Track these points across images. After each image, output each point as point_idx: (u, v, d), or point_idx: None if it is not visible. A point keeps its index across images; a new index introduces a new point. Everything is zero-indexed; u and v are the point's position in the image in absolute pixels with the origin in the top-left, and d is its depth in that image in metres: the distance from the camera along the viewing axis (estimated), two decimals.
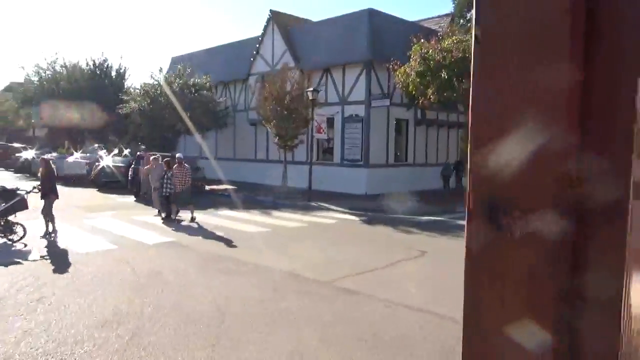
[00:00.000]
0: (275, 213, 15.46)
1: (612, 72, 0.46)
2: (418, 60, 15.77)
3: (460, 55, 14.66)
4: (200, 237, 10.71)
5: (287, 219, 14.05)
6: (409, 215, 15.36)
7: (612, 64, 0.46)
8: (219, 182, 25.53)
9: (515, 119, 0.49)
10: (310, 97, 18.48)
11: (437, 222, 14.10)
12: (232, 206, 16.73)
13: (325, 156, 23.61)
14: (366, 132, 21.40)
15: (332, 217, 14.82)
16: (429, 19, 24.50)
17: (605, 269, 0.46)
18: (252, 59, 25.32)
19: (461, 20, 17.00)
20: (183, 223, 12.88)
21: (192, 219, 13.20)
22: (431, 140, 24.77)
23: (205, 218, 13.72)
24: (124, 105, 24.19)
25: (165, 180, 13.37)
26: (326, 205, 17.79)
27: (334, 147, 22.99)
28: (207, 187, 23.06)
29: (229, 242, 10.19)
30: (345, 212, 16.17)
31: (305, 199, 18.68)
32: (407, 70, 16.46)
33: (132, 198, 18.51)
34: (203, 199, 18.85)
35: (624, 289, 0.45)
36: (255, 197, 20.32)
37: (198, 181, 21.40)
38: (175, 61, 32.46)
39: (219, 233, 11.14)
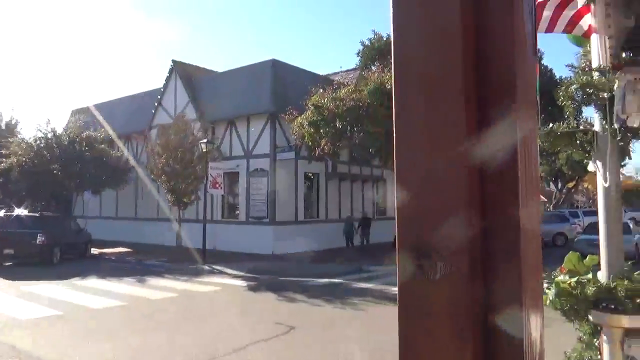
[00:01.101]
0: (152, 281, 13.35)
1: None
2: (312, 109, 14.84)
3: (352, 104, 13.87)
4: None
5: (159, 288, 12.01)
6: (306, 277, 13.79)
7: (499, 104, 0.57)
8: (113, 244, 22.95)
9: (429, 170, 0.57)
10: (204, 149, 16.96)
11: (331, 286, 12.60)
12: (106, 273, 14.42)
13: (231, 213, 21.86)
14: (272, 186, 20.01)
15: (216, 284, 12.94)
16: (338, 72, 24.20)
17: (508, 302, 0.56)
18: (153, 111, 23.66)
19: (369, 73, 16.47)
20: None
21: None
22: (344, 194, 23.77)
23: (49, 289, 11.38)
24: (1, 160, 21.47)
25: None
26: (220, 268, 15.88)
27: (239, 204, 21.35)
28: (96, 251, 20.48)
29: (36, 325, 8.08)
30: (236, 277, 14.35)
31: (200, 261, 16.69)
32: (300, 120, 15.46)
33: None
34: (80, 265, 16.40)
35: (523, 315, 0.55)
36: (144, 261, 18.02)
37: (81, 244, 18.92)
38: (75, 113, 30.12)
39: (42, 306, 8.96)
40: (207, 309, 9.77)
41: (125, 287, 12.17)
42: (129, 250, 21.42)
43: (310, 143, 15.32)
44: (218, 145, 21.92)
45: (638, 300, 1.89)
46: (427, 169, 0.57)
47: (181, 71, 22.95)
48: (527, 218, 0.58)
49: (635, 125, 2.11)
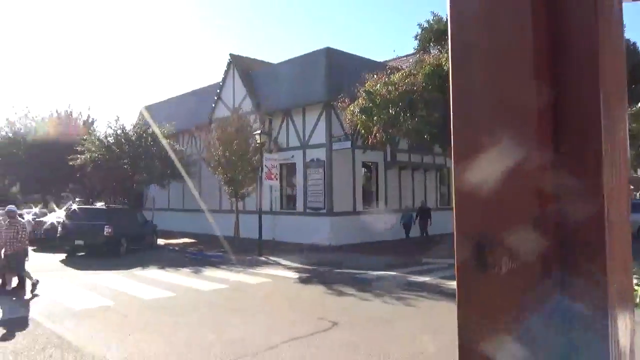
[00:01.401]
0: (207, 272, 13.56)
1: (579, 92, 0.50)
2: (363, 96, 14.28)
3: (405, 88, 13.14)
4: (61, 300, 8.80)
5: (212, 279, 12.13)
6: (360, 270, 13.39)
7: (579, 84, 0.50)
8: (178, 235, 23.79)
9: (493, 161, 0.52)
10: (259, 141, 16.95)
11: (384, 279, 12.09)
12: (166, 264, 14.87)
13: (289, 205, 21.85)
14: (329, 177, 19.72)
15: (268, 275, 12.87)
16: (396, 58, 23.33)
17: (589, 303, 0.48)
18: (213, 105, 24.13)
19: (425, 56, 15.66)
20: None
21: (32, 291, 10.01)
22: (405, 184, 22.98)
23: (109, 279, 11.82)
24: (77, 156, 22.84)
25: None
26: (275, 259, 15.88)
27: (296, 195, 21.28)
28: (162, 242, 21.30)
29: (105, 309, 8.31)
30: (289, 268, 14.23)
31: (256, 252, 16.80)
32: (351, 108, 14.94)
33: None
34: (145, 256, 17.08)
35: (609, 321, 0.47)
36: (204, 252, 18.45)
37: (147, 235, 19.71)
38: (144, 110, 31.53)
39: (98, 295, 9.26)
40: (252, 302, 9.66)
41: (180, 278, 12.42)
42: (193, 241, 22.09)
43: (363, 131, 14.78)
44: (275, 137, 21.98)
45: None
46: (489, 152, 0.52)
47: (239, 64, 23.17)
48: (614, 206, 0.51)
49: None
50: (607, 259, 0.49)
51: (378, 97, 13.79)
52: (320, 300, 9.73)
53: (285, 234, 20.61)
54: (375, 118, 14.17)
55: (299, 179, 20.98)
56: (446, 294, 10.03)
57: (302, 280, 12.18)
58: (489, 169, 0.52)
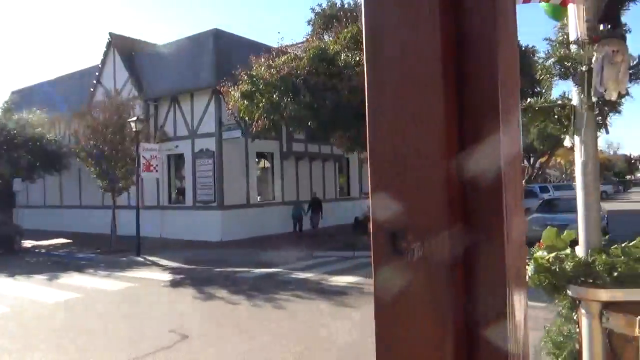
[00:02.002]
0: (65, 278, 11.82)
1: (479, 115, 0.54)
2: (245, 80, 13.23)
3: (288, 72, 12.28)
4: None
5: (65, 287, 10.48)
6: (244, 267, 12.43)
7: (478, 109, 0.55)
8: (53, 235, 21.23)
9: (405, 156, 0.55)
10: (134, 128, 15.26)
11: (265, 277, 11.23)
12: (21, 270, 12.85)
13: (178, 199, 20.27)
14: (219, 168, 18.45)
15: (136, 279, 11.44)
16: (293, 44, 22.46)
17: (490, 282, 0.53)
18: (92, 89, 21.73)
19: (313, 40, 14.88)
20: None
21: None
22: (303, 175, 22.31)
23: None
24: None
25: None
26: (153, 260, 14.41)
27: (185, 188, 19.76)
28: (30, 243, 18.79)
29: None
30: (166, 269, 12.90)
31: (135, 252, 15.18)
32: (232, 92, 13.84)
33: None
34: (1, 261, 14.76)
35: (507, 298, 0.52)
36: (75, 253, 16.45)
37: (6, 238, 17.22)
38: (15, 94, 27.98)
39: None
40: (101, 313, 8.29)
41: (25, 288, 10.63)
42: (67, 241, 19.77)
43: (247, 118, 13.75)
44: (162, 125, 20.24)
45: (615, 274, 1.90)
46: (401, 145, 0.55)
47: (119, 45, 21.00)
48: (511, 193, 0.55)
49: (613, 98, 2.04)
50: (505, 242, 0.52)
51: (261, 81, 12.80)
52: (182, 308, 8.61)
53: (174, 231, 19.07)
54: (257, 104, 13.17)
55: (187, 171, 19.49)
56: (325, 292, 9.39)
57: (173, 284, 10.94)
58: (400, 160, 0.54)
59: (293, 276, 11.23)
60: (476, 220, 0.54)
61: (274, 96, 12.49)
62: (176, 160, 20.10)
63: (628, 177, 69.94)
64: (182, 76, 18.91)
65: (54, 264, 14.51)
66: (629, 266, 1.93)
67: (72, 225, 22.83)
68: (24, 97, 26.12)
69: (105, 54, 21.41)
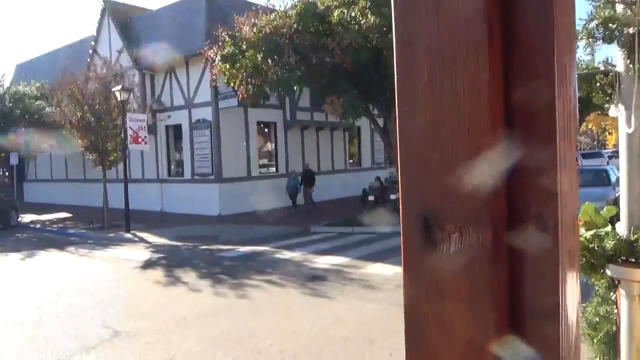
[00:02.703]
0: (41, 257, 11.21)
1: (530, 80, 0.47)
2: (227, 40, 12.01)
3: (270, 30, 10.99)
4: None
5: (27, 270, 9.83)
6: (230, 246, 11.57)
7: (529, 72, 0.47)
8: (59, 209, 20.91)
9: (442, 131, 0.48)
10: (119, 98, 14.36)
11: (246, 257, 10.33)
12: (4, 248, 12.33)
13: (177, 171, 19.51)
14: (216, 139, 17.51)
15: (115, 259, 10.73)
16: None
17: (541, 275, 0.47)
18: (89, 60, 20.88)
19: None
20: None
21: None
22: (309, 145, 21.15)
23: None
24: None
25: None
26: (143, 235, 13.73)
27: (183, 160, 18.94)
28: (30, 218, 18.47)
29: None
30: (149, 247, 12.16)
31: (124, 228, 14.52)
32: (211, 54, 12.66)
33: None
34: None
35: (560, 294, 0.46)
36: (67, 229, 15.95)
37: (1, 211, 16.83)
38: (19, 68, 27.54)
39: None
40: (51, 303, 7.50)
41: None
42: (68, 215, 19.38)
43: (231, 84, 12.61)
44: (159, 95, 19.34)
45: None
46: (438, 117, 0.48)
47: (114, 12, 19.99)
48: (566, 174, 0.48)
49: None
50: (560, 229, 0.46)
51: (244, 42, 11.58)
52: (138, 295, 7.77)
53: (174, 204, 18.40)
54: (239, 68, 11.98)
55: (185, 142, 18.62)
56: (305, 276, 8.40)
57: (146, 265, 10.13)
58: (436, 134, 0.48)
59: (278, 256, 10.28)
60: (526, 205, 0.46)
61: (257, 58, 11.27)
62: (175, 132, 19.24)
63: None
64: (176, 42, 17.79)
65: (41, 240, 14.00)
66: None
67: (76, 199, 22.51)
68: (28, 70, 25.64)
69: (100, 22, 20.48)
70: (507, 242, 0.47)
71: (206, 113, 17.66)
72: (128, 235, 13.97)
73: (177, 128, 18.97)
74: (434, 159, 0.48)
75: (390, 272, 8.13)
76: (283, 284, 7.98)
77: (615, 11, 2.08)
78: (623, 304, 1.93)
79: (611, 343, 2.05)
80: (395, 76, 0.50)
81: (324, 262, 9.42)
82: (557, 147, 0.46)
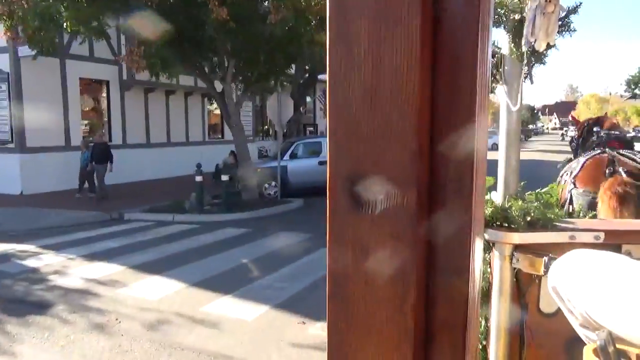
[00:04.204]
0: None
1: (454, 51, 0.49)
2: None
3: None
4: None
5: None
6: None
7: (453, 47, 0.50)
8: None
9: (370, 94, 0.50)
10: None
11: None
12: None
13: None
14: (17, 97, 13.61)
15: None
16: None
17: (455, 236, 0.51)
18: None
19: None
20: None
21: None
22: (155, 112, 17.79)
23: None
24: None
25: None
26: None
27: None
28: None
29: None
30: None
31: None
32: None
33: None
34: None
35: (469, 254, 0.51)
36: None
37: None
38: None
39: None
40: None
41: None
42: None
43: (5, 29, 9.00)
44: None
45: (528, 219, 2.01)
46: (367, 87, 0.49)
47: None
48: (480, 142, 0.52)
49: (542, 49, 2.10)
50: (473, 196, 0.50)
51: None
52: None
53: None
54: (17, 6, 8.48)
55: None
56: (24, 302, 5.56)
57: None
58: (367, 102, 0.49)
59: (25, 262, 7.27)
60: (446, 170, 0.50)
61: None
62: None
63: (530, 126, 72.73)
64: None
65: None
66: (541, 211, 2.04)
67: None
68: None
69: None
70: (429, 205, 0.50)
71: (3, 62, 13.61)
72: None
73: None
74: (362, 125, 0.49)
75: (156, 295, 5.65)
76: None
77: None
78: (496, 263, 2.09)
79: (485, 297, 2.16)
80: (328, 41, 0.50)
81: (86, 272, 6.62)
82: (475, 116, 0.49)
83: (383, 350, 0.51)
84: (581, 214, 2.92)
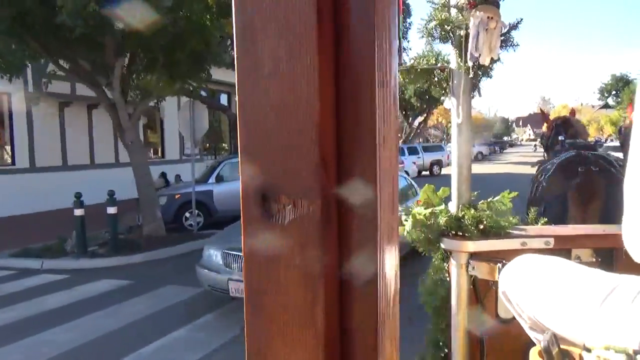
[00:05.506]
0: None
1: (355, 69, 0.52)
2: None
3: None
4: None
5: None
6: None
7: (355, 60, 0.52)
8: None
9: (275, 110, 0.52)
10: None
11: None
12: None
13: None
14: None
15: None
16: None
17: (364, 245, 0.53)
18: None
19: None
20: None
21: None
22: (77, 130, 16.22)
23: None
24: None
25: None
26: None
27: None
28: None
29: None
30: None
31: None
32: None
33: None
34: None
35: (378, 259, 0.53)
36: None
37: None
38: None
39: None
40: None
41: None
42: None
43: None
44: None
45: (481, 227, 2.10)
46: (272, 103, 0.52)
47: None
48: (386, 151, 0.55)
49: (486, 63, 2.21)
50: (378, 204, 0.53)
51: None
52: None
53: None
54: None
55: None
56: None
57: None
58: (276, 116, 0.52)
59: None
60: (350, 180, 0.53)
61: None
62: None
63: (505, 138, 74.68)
64: None
65: None
66: (493, 219, 2.12)
67: None
68: None
69: None
70: (336, 213, 0.52)
71: None
72: None
73: None
74: (272, 139, 0.51)
75: None
76: None
77: (450, 14, 2.33)
78: (453, 271, 2.18)
79: (444, 304, 2.28)
80: (235, 58, 0.52)
81: None
82: (376, 128, 0.52)
83: (299, 356, 0.52)
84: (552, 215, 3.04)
